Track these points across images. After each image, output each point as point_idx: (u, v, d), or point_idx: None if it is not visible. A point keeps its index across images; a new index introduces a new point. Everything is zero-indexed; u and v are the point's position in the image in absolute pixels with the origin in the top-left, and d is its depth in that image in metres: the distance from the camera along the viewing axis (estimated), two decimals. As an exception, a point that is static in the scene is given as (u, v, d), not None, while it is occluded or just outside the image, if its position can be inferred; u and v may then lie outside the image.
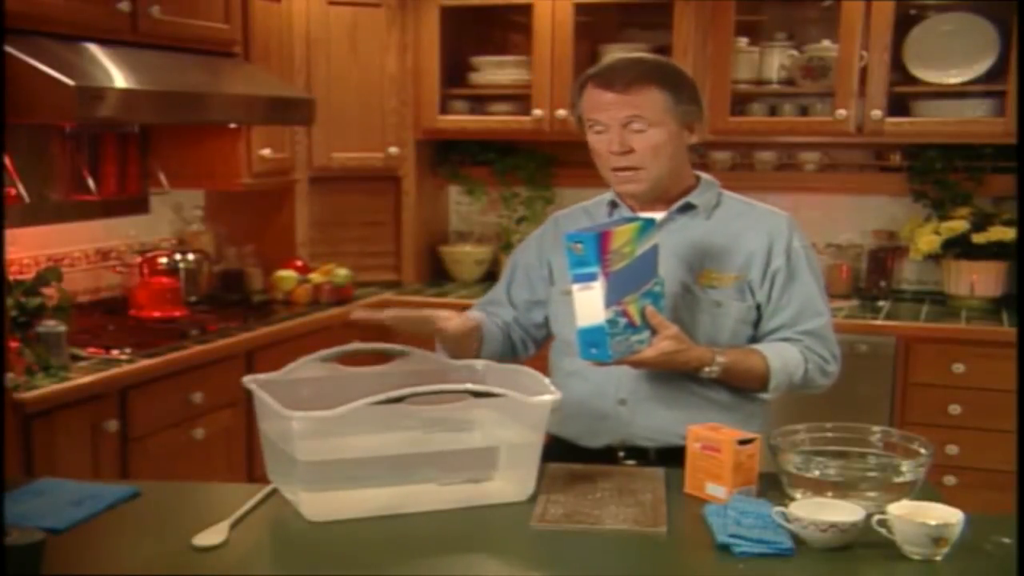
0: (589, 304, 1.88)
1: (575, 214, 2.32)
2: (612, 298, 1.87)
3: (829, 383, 2.25)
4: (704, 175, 2.24)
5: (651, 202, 2.17)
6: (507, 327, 2.30)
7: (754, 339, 2.19)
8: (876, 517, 1.63)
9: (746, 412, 2.14)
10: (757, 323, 2.18)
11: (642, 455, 2.12)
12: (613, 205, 2.23)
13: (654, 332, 1.98)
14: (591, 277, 1.87)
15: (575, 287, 1.89)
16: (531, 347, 2.34)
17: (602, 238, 1.86)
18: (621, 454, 2.13)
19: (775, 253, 2.16)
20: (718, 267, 2.14)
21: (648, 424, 2.12)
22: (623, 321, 1.90)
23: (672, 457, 2.06)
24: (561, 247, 2.23)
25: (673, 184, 2.17)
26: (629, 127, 2.06)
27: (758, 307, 2.17)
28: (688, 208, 2.18)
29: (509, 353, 2.28)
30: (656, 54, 2.21)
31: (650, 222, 1.99)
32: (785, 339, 2.18)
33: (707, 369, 2.06)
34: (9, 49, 2.71)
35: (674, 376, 2.09)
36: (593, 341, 1.89)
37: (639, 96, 2.05)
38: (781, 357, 2.13)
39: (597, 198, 2.31)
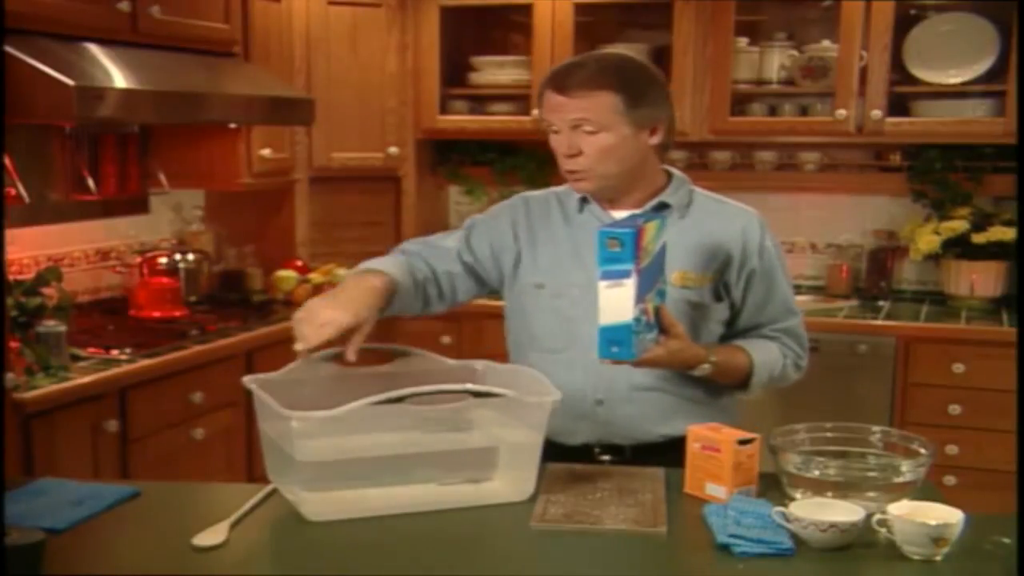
0: (618, 302, 1.84)
1: (547, 199, 2.27)
2: (639, 296, 1.86)
3: (800, 376, 2.28)
4: (675, 172, 2.21)
5: (618, 201, 2.16)
6: (427, 280, 2.18)
7: (727, 338, 2.20)
8: (876, 517, 1.63)
9: (719, 407, 2.16)
10: (730, 322, 2.20)
11: (618, 452, 2.13)
12: (584, 201, 2.20)
13: (661, 330, 1.98)
14: (624, 274, 1.83)
15: (602, 284, 1.84)
16: (439, 307, 2.24)
17: (638, 235, 1.83)
18: (597, 450, 2.14)
19: (750, 254, 2.16)
20: (694, 267, 2.12)
21: (625, 423, 2.12)
22: (644, 319, 1.89)
23: (647, 453, 2.09)
24: (535, 238, 2.21)
25: (636, 185, 2.14)
26: (579, 130, 2.05)
27: (732, 306, 2.18)
28: (662, 207, 2.15)
29: (415, 310, 2.17)
30: (621, 53, 2.18)
31: (664, 219, 1.98)
32: (763, 336, 2.20)
33: (702, 367, 2.07)
34: (9, 49, 2.71)
35: (650, 374, 2.09)
36: (616, 339, 1.85)
37: (587, 100, 2.03)
38: (763, 355, 2.16)
39: (567, 187, 2.26)
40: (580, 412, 2.10)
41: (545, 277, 2.18)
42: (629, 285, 1.83)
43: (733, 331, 2.20)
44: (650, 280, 1.91)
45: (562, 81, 2.06)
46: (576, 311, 2.09)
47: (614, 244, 1.82)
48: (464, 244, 2.25)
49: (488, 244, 2.25)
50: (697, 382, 2.11)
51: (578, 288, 2.09)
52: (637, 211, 2.13)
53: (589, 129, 2.04)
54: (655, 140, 2.11)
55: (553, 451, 2.01)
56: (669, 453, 2.01)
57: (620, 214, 2.14)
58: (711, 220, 2.17)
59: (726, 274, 2.15)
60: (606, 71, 2.06)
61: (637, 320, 1.85)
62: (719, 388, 2.17)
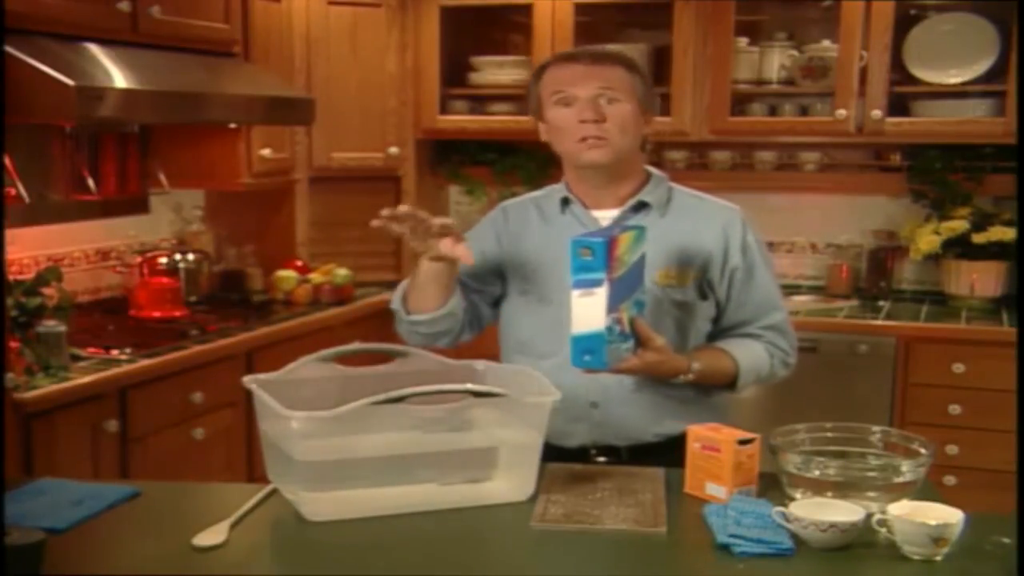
0: (589, 310, 1.86)
1: (525, 206, 2.28)
2: (612, 305, 1.87)
3: (789, 373, 2.28)
4: (654, 171, 2.22)
5: (601, 199, 2.16)
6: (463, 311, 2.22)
7: (713, 335, 2.20)
8: (876, 517, 1.63)
9: (712, 406, 2.17)
10: (716, 319, 2.20)
11: (614, 453, 2.13)
12: (565, 202, 2.19)
13: (638, 340, 1.98)
14: (596, 283, 1.85)
15: (575, 292, 1.87)
16: (467, 337, 2.27)
17: (611, 244, 1.85)
18: (593, 452, 2.14)
19: (732, 251, 2.16)
20: (676, 266, 2.12)
21: (620, 424, 2.13)
22: (617, 329, 1.91)
23: (643, 453, 2.10)
24: (517, 246, 2.22)
25: (628, 172, 2.16)
26: (600, 98, 2.07)
27: (717, 304, 2.18)
28: (642, 206, 2.16)
29: (456, 339, 2.21)
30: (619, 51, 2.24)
31: (643, 229, 1.99)
32: (748, 335, 2.20)
33: (683, 377, 2.08)
34: (9, 49, 2.71)
35: (643, 376, 2.09)
36: (588, 348, 1.88)
37: (607, 69, 2.08)
38: (748, 356, 2.16)
39: (545, 191, 2.28)
40: (575, 415, 2.10)
41: (529, 284, 2.18)
42: (600, 294, 1.85)
43: (718, 328, 2.21)
44: (625, 290, 1.92)
45: (577, 54, 2.12)
46: (563, 315, 2.04)
47: (586, 253, 1.85)
48: (458, 282, 2.24)
49: (482, 260, 2.25)
50: (691, 383, 2.12)
51: (564, 292, 2.07)
52: (617, 212, 2.15)
53: (610, 97, 2.07)
54: (648, 129, 2.15)
55: (549, 454, 2.01)
56: (664, 453, 2.02)
57: (602, 214, 2.15)
58: (692, 218, 2.17)
59: (709, 272, 2.14)
60: (617, 53, 2.15)
61: (609, 329, 1.87)
62: (711, 387, 2.17)
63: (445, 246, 2.03)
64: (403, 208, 2.02)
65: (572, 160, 2.15)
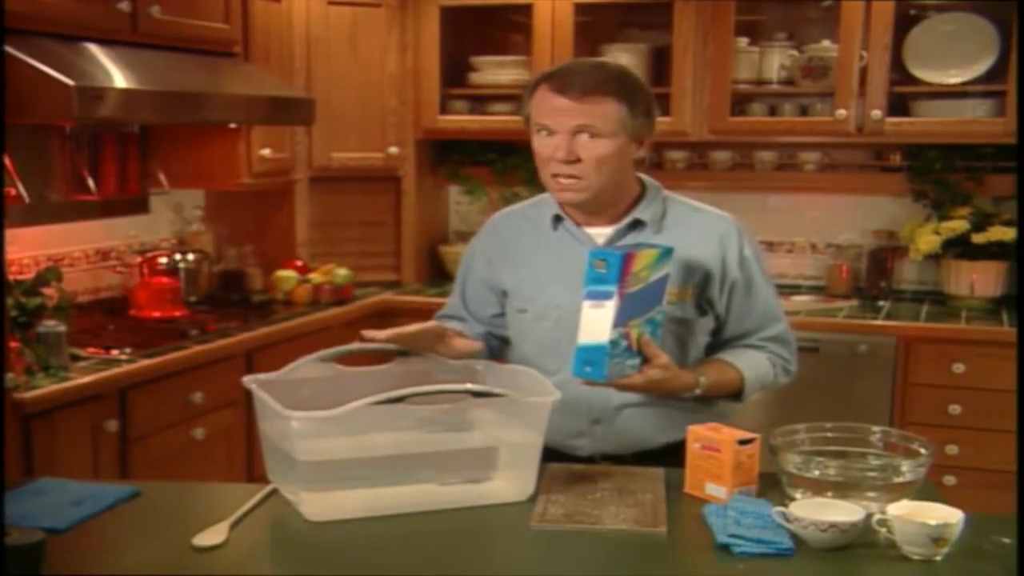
0: (597, 322, 1.86)
1: (516, 220, 2.27)
2: (620, 319, 1.87)
3: (790, 380, 2.27)
4: (648, 180, 2.17)
5: (594, 215, 2.13)
6: (485, 339, 2.25)
7: (713, 347, 2.19)
8: (876, 517, 1.64)
9: (715, 413, 2.15)
10: (716, 332, 2.19)
11: (618, 459, 2.12)
12: (557, 219, 2.16)
13: (645, 359, 1.97)
14: (606, 296, 1.86)
15: (586, 303, 1.88)
16: (499, 354, 2.29)
17: (626, 259, 1.85)
18: (598, 459, 2.13)
19: (730, 265, 2.13)
20: (672, 283, 2.06)
21: (624, 437, 2.12)
22: (623, 344, 1.90)
23: (647, 459, 2.08)
24: (509, 263, 2.21)
25: (617, 197, 2.11)
26: (578, 136, 2.01)
27: (717, 318, 2.17)
28: (636, 224, 2.12)
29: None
30: (617, 63, 2.16)
31: (668, 251, 1.96)
32: (750, 346, 2.19)
33: (690, 393, 2.07)
34: (9, 49, 2.71)
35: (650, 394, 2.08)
36: (591, 359, 1.88)
37: (593, 105, 2.00)
38: (753, 368, 2.15)
39: (536, 200, 2.26)
40: (578, 430, 2.10)
41: (526, 302, 2.17)
42: (609, 307, 1.86)
43: (718, 341, 2.19)
44: (638, 307, 1.91)
45: (568, 84, 2.01)
46: (561, 332, 2.05)
47: (600, 265, 1.87)
48: (465, 310, 2.27)
49: (475, 288, 2.26)
50: None
51: (560, 310, 2.07)
52: (611, 229, 2.12)
53: (589, 136, 2.01)
54: (640, 153, 2.09)
55: (555, 459, 2.01)
56: (670, 457, 2.01)
57: (596, 231, 2.13)
58: (688, 233, 2.12)
59: (708, 289, 2.12)
60: (612, 79, 2.04)
61: (614, 343, 1.87)
62: (716, 397, 2.16)
63: (462, 346, 2.08)
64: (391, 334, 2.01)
65: (548, 191, 2.14)
